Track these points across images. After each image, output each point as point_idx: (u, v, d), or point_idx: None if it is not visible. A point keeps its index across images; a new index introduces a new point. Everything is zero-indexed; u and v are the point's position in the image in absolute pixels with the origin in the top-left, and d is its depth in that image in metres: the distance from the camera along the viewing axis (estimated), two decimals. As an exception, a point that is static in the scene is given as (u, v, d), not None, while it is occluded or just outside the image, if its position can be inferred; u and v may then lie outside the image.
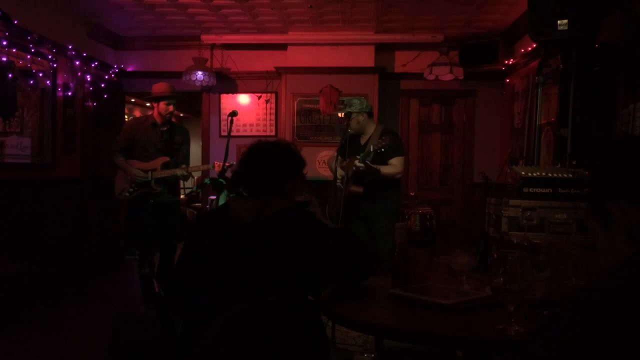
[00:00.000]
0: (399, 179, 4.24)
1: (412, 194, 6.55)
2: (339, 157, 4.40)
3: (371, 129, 4.26)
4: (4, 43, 4.54)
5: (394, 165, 4.12)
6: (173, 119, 4.69)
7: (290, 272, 1.80)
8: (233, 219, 1.89)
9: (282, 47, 6.61)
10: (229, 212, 1.92)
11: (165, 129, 4.57)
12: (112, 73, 6.63)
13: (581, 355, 0.85)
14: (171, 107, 4.52)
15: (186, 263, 1.96)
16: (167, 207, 4.56)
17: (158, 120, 4.55)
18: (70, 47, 5.63)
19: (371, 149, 3.93)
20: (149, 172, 4.47)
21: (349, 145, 4.32)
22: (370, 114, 4.29)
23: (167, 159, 4.52)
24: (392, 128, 5.24)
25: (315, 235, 1.87)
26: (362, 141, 4.25)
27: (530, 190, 3.44)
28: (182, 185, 8.30)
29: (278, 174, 1.98)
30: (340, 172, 4.22)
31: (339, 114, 4.28)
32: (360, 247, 1.97)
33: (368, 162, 3.99)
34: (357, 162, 3.99)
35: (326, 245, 1.87)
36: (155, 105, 4.58)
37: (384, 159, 4.10)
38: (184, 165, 4.57)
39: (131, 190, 4.49)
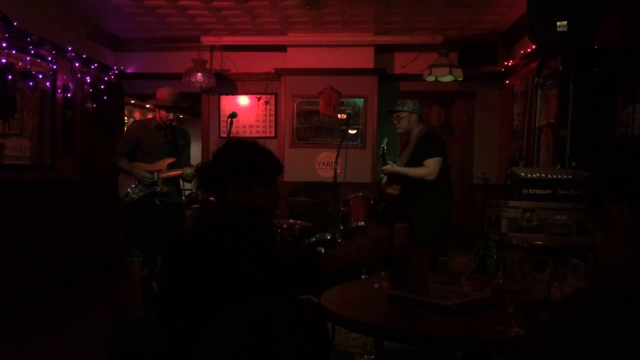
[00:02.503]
0: (435, 180, 4.07)
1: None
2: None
3: (416, 131, 4.27)
4: (4, 45, 4.54)
5: (425, 167, 4.05)
6: (174, 123, 4.72)
7: (234, 284, 1.65)
8: (184, 230, 1.84)
9: (282, 48, 6.62)
10: (182, 225, 1.88)
11: (168, 130, 4.62)
12: (112, 75, 6.63)
13: (580, 357, 0.85)
14: (171, 115, 4.56)
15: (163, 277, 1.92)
16: (173, 208, 4.62)
17: (160, 122, 4.60)
18: (69, 48, 5.63)
19: (380, 152, 3.98)
20: (155, 173, 4.51)
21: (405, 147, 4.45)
22: (420, 117, 4.32)
23: (173, 159, 4.57)
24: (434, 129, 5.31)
25: (229, 248, 1.68)
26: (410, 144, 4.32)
27: (530, 191, 3.44)
28: (182, 187, 8.33)
29: (218, 171, 1.86)
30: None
31: (394, 112, 4.31)
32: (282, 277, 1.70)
33: (391, 164, 4.03)
34: (383, 167, 4.06)
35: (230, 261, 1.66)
36: (157, 109, 4.63)
37: (419, 161, 4.10)
38: (193, 164, 4.63)
39: (137, 191, 4.51)
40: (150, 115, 10.24)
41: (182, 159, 4.64)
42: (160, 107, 4.54)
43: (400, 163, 4.16)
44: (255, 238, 1.71)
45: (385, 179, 4.31)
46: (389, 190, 4.23)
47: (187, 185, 8.18)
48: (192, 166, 4.61)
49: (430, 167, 4.05)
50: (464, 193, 6.78)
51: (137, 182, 4.52)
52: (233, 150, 1.91)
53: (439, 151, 4.13)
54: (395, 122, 4.30)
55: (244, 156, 1.88)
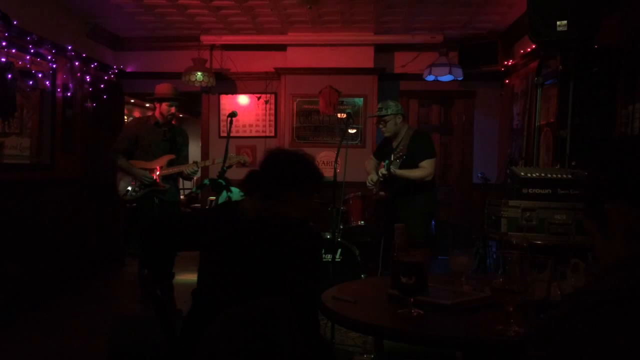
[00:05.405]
0: (430, 180, 4.18)
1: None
2: (375, 160, 4.48)
3: (403, 131, 4.25)
4: (4, 44, 4.54)
5: (423, 169, 4.09)
6: (174, 121, 4.71)
7: (279, 272, 1.79)
8: (239, 212, 1.95)
9: (282, 47, 6.62)
10: (236, 207, 2.00)
11: (167, 128, 4.61)
12: (112, 74, 6.63)
13: (580, 357, 0.85)
14: (173, 109, 4.57)
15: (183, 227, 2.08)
16: (172, 207, 4.61)
17: (160, 119, 4.59)
18: (69, 47, 5.62)
19: (392, 158, 3.91)
20: (155, 171, 4.51)
21: (384, 148, 4.40)
22: (404, 116, 4.32)
23: (173, 156, 4.58)
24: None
25: (296, 248, 1.83)
26: (394, 144, 4.25)
27: (530, 191, 3.44)
28: (181, 186, 8.33)
29: (283, 180, 1.96)
30: (372, 177, 4.24)
31: (377, 118, 4.28)
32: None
33: (393, 169, 3.98)
34: (382, 170, 4.00)
35: (295, 263, 1.82)
36: (157, 105, 4.62)
37: (414, 162, 4.11)
38: (195, 161, 4.63)
39: (137, 189, 4.51)
40: (149, 113, 10.27)
41: (180, 157, 4.65)
42: (161, 100, 4.55)
43: (395, 165, 4.14)
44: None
45: (374, 188, 4.28)
46: (380, 194, 4.25)
47: (187, 185, 8.16)
48: (194, 163, 4.61)
49: (427, 168, 4.11)
50: (463, 192, 6.78)
51: (136, 181, 4.51)
52: (295, 161, 2.04)
53: (433, 152, 4.19)
54: (381, 126, 4.25)
55: (306, 169, 2.03)
